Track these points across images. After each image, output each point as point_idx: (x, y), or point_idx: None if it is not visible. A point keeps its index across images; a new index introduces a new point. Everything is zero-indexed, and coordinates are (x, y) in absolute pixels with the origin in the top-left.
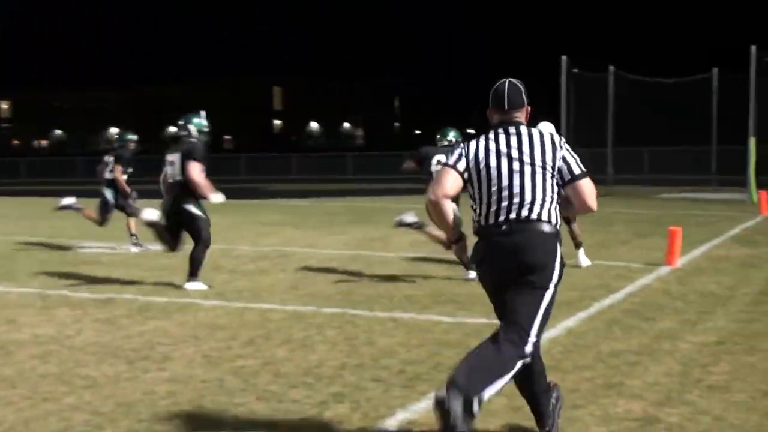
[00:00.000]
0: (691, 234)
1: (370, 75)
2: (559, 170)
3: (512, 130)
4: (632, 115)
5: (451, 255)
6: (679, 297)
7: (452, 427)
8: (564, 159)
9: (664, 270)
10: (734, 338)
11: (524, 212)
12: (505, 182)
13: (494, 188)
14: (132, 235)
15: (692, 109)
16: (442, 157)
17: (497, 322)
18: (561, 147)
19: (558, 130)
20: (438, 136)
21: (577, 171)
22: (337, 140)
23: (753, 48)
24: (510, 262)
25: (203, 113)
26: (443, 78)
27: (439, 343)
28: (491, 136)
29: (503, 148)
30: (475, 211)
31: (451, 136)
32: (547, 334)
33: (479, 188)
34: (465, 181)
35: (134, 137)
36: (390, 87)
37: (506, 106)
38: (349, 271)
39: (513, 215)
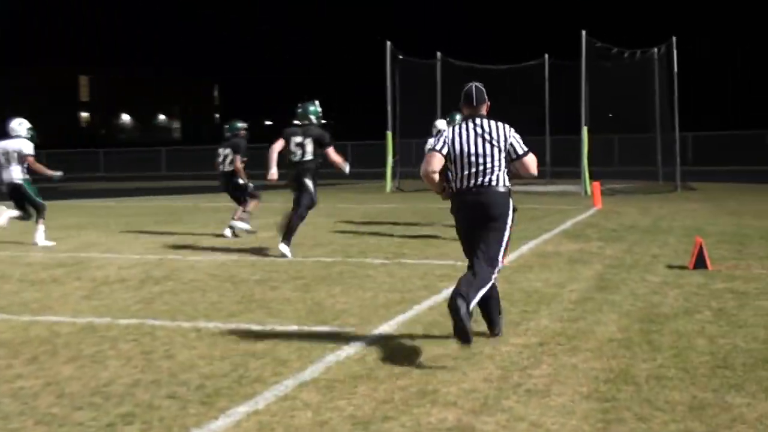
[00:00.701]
0: (521, 229)
1: (186, 64)
2: (508, 151)
3: (478, 121)
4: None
5: (263, 258)
6: (504, 296)
7: (461, 322)
8: (511, 143)
9: None
10: (557, 338)
11: (486, 179)
12: (473, 159)
13: (465, 163)
14: (242, 219)
15: (526, 97)
16: (431, 142)
17: (311, 329)
18: (509, 134)
19: (383, 119)
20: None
21: (520, 151)
22: (150, 134)
23: (583, 33)
24: (478, 213)
25: (317, 102)
26: (266, 68)
27: (246, 353)
28: (464, 126)
29: (471, 135)
30: (452, 179)
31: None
32: (361, 342)
33: (455, 164)
34: (446, 160)
35: (244, 125)
36: (210, 77)
37: (474, 103)
38: (153, 277)
39: (479, 181)
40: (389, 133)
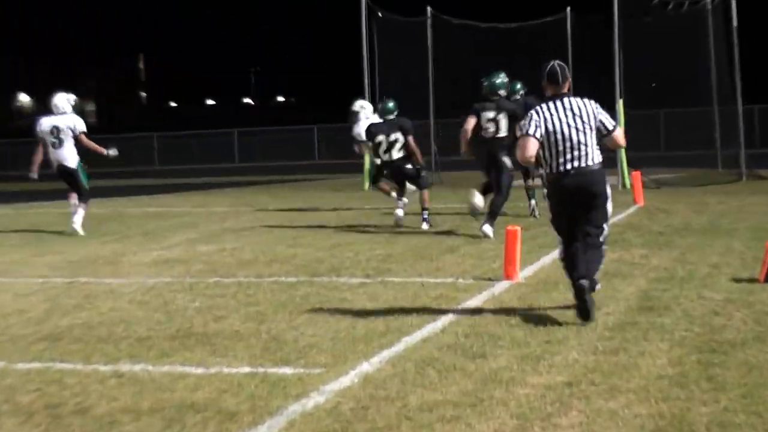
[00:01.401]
0: (541, 233)
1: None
2: (598, 128)
3: (566, 102)
4: (462, 71)
5: (204, 278)
6: (519, 324)
7: (586, 304)
8: (600, 120)
9: (500, 286)
10: (590, 376)
11: (583, 162)
12: (568, 143)
13: (562, 148)
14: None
15: (542, 62)
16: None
17: (268, 371)
18: (597, 110)
19: (359, 95)
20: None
21: (610, 126)
22: None
23: None
24: (580, 196)
25: (503, 74)
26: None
27: (182, 405)
28: (552, 106)
29: (563, 117)
30: (546, 163)
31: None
32: (337, 384)
33: (550, 148)
34: (540, 144)
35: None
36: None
37: (560, 81)
38: (61, 307)
39: (576, 164)
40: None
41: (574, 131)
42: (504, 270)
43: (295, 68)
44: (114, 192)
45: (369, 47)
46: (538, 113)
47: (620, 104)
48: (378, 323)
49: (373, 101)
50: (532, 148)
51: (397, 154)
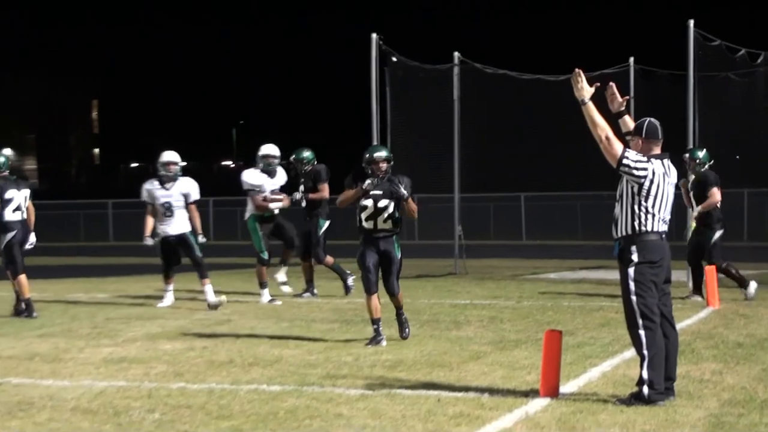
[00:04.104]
0: (586, 340)
1: None
2: None
3: (665, 161)
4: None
5: (164, 384)
6: None
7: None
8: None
9: (536, 404)
10: None
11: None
12: (668, 202)
13: (663, 205)
14: None
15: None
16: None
17: None
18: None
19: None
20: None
21: None
22: None
23: (691, 24)
24: (668, 264)
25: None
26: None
27: None
28: (662, 164)
29: (668, 178)
30: (644, 215)
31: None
32: None
33: (654, 201)
34: (640, 188)
35: None
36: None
37: (660, 138)
38: None
39: (667, 227)
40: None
41: (672, 195)
42: (541, 384)
43: (286, 121)
44: (58, 272)
45: (378, 97)
46: (656, 167)
47: (692, 179)
48: None
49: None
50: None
51: None
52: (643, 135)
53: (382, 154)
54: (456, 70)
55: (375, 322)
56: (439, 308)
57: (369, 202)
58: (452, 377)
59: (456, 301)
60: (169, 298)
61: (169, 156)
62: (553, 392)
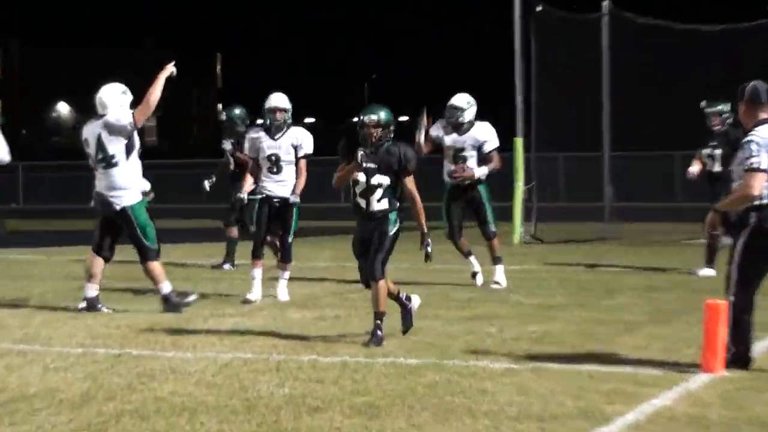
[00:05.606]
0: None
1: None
2: None
3: None
4: (642, 84)
5: (297, 354)
6: None
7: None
8: None
9: (698, 380)
10: None
11: None
12: None
13: None
14: None
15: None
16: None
17: None
18: None
19: (511, 114)
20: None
21: None
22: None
23: None
24: None
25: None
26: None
27: None
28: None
29: None
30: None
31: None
32: None
33: None
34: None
35: None
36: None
37: (765, 101)
38: (105, 386)
39: None
40: (518, 140)
41: None
42: (702, 359)
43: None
44: (177, 236)
45: (523, 53)
46: (758, 140)
47: None
48: (529, 426)
49: (525, 126)
50: (757, 186)
51: None
52: (749, 100)
53: (374, 117)
54: (605, 19)
55: (378, 316)
56: (588, 275)
57: (362, 177)
58: (605, 351)
59: (607, 269)
60: (257, 290)
61: (277, 100)
62: (716, 368)
